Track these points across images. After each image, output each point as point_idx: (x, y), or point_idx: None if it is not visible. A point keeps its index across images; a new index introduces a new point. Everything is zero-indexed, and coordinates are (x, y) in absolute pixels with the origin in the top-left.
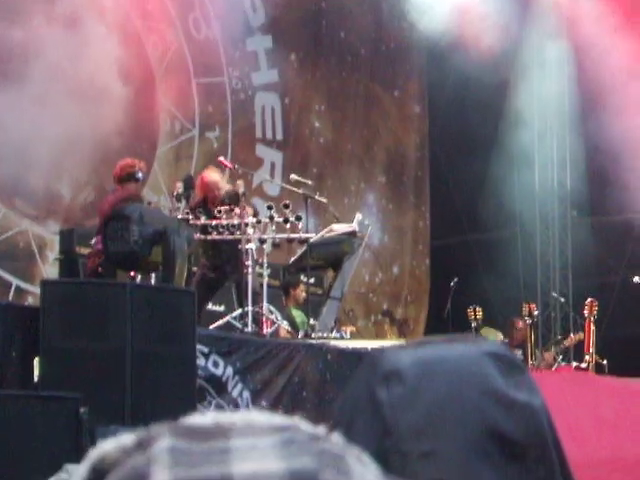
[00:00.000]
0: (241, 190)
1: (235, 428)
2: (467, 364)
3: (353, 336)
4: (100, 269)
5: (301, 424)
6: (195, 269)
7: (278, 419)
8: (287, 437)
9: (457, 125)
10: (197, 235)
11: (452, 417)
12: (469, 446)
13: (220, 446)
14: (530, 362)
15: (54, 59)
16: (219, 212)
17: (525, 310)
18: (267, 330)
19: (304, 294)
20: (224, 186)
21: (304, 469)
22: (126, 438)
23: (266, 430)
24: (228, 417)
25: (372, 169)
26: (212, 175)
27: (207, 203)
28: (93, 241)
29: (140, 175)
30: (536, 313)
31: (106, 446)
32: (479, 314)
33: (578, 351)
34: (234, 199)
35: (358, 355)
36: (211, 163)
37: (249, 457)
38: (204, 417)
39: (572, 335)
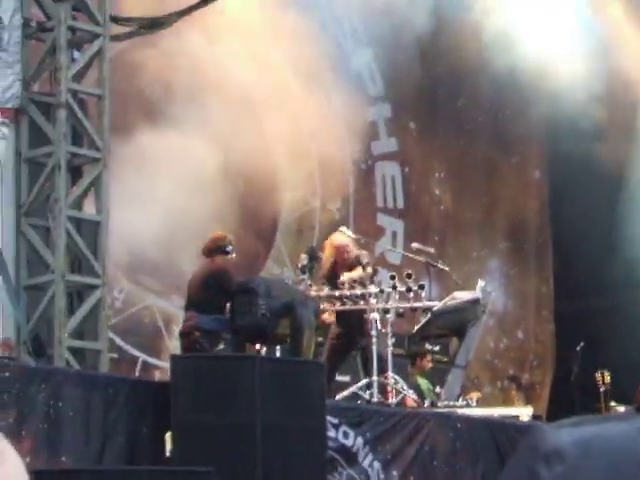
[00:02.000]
0: (365, 260)
1: None
2: (625, 442)
3: (479, 403)
4: (198, 346)
5: None
6: (320, 339)
7: None
8: None
9: (579, 188)
10: (321, 306)
11: None
12: None
13: None
14: None
15: (173, 141)
16: (342, 284)
17: None
18: (393, 399)
19: (431, 364)
20: (353, 249)
21: None
22: None
23: None
24: None
25: (493, 235)
26: (340, 238)
27: (336, 268)
28: (185, 317)
29: (229, 248)
30: None
31: None
32: (607, 378)
33: None
34: (357, 263)
35: (487, 423)
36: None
37: None
38: None
39: None
